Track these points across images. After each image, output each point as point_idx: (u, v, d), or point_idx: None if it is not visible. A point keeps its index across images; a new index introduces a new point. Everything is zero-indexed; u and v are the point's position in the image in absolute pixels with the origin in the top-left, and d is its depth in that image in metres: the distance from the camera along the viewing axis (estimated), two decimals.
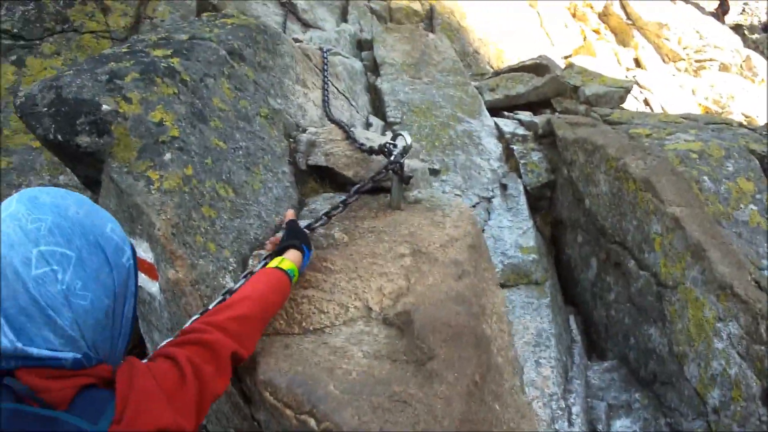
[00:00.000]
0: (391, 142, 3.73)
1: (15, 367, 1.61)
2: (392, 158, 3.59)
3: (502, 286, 4.65)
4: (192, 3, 5.82)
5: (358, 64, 6.46)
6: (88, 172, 3.39)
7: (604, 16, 17.59)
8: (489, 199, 5.26)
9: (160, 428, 1.74)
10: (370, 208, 3.67)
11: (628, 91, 7.59)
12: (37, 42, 5.28)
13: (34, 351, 1.60)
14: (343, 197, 3.42)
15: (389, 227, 3.43)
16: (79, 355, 1.66)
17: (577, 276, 5.36)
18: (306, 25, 7.66)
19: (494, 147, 5.75)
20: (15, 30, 5.31)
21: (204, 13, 4.84)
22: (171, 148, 3.25)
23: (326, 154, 4.00)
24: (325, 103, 4.66)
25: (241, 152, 3.62)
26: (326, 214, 3.30)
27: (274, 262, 2.79)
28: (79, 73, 3.39)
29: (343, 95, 5.36)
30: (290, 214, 3.29)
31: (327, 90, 4.82)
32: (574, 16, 16.75)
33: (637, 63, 16.23)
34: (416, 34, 7.50)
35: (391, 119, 5.75)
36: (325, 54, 5.27)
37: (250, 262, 3.20)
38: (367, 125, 5.45)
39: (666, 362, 4.10)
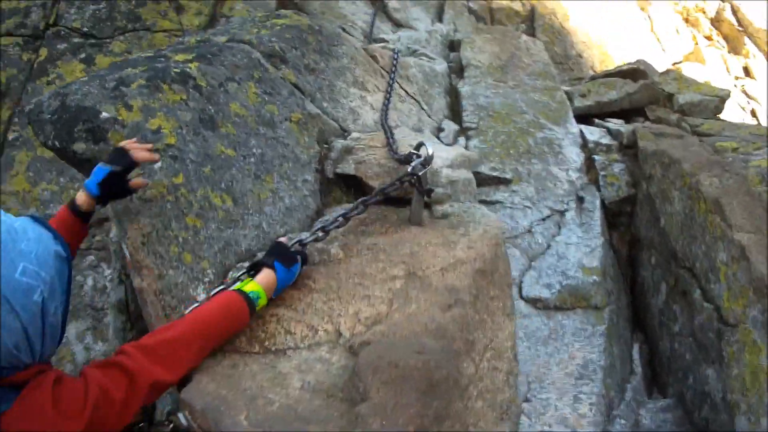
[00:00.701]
0: (414, 151, 3.45)
1: None
2: (409, 169, 3.31)
3: (557, 309, 4.23)
4: (272, 2, 5.73)
5: (440, 67, 6.15)
6: None
7: (716, 21, 16.08)
8: (562, 213, 4.83)
9: None
10: (386, 222, 3.39)
11: (723, 100, 6.80)
12: (108, 40, 5.33)
13: None
14: (346, 210, 3.18)
15: (391, 245, 3.13)
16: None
17: (648, 301, 4.86)
18: (397, 25, 7.43)
19: (575, 156, 5.30)
20: (85, 28, 5.37)
21: (259, 14, 4.74)
22: (163, 157, 3.13)
23: (358, 162, 3.75)
24: (385, 106, 4.42)
25: (252, 159, 3.44)
26: (322, 228, 3.04)
27: (241, 284, 2.71)
28: (92, 79, 3.35)
29: (414, 98, 5.09)
30: (284, 240, 3.04)
31: (390, 93, 4.58)
32: (686, 21, 15.45)
33: (747, 72, 14.79)
34: (508, 36, 7.07)
35: (467, 124, 5.40)
36: (395, 55, 5.03)
37: (230, 274, 3.02)
38: (438, 130, 5.14)
39: (719, 410, 3.57)
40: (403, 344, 2.47)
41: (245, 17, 4.77)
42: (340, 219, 3.10)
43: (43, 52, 5.34)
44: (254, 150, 3.49)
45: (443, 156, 3.78)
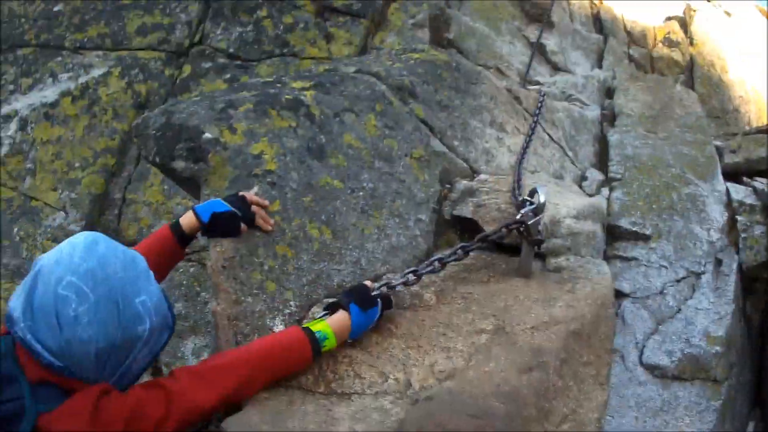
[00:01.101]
0: (528, 198, 3.24)
1: (14, 333, 2.08)
2: (518, 216, 3.10)
3: (674, 378, 3.88)
4: (425, 36, 5.63)
5: (592, 113, 5.85)
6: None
7: None
8: (698, 275, 4.42)
9: None
10: (491, 271, 3.19)
11: None
12: (254, 63, 5.39)
13: (29, 337, 2.04)
14: (443, 254, 3.01)
15: (487, 296, 2.93)
16: (58, 363, 2.04)
17: None
18: (555, 68, 7.15)
19: (719, 216, 4.86)
20: (231, 49, 5.46)
21: (397, 47, 4.66)
22: (261, 182, 3.08)
23: (478, 205, 3.56)
24: (523, 149, 4.21)
25: (361, 193, 3.32)
26: (414, 271, 2.88)
27: (312, 322, 2.64)
28: (204, 99, 3.38)
29: (558, 144, 4.84)
30: (369, 284, 2.87)
31: (531, 136, 4.36)
32: None
33: None
34: (662, 85, 6.65)
35: (612, 174, 5.07)
36: (541, 97, 4.81)
37: (313, 309, 2.91)
38: (582, 179, 4.86)
39: None
40: (461, 405, 2.26)
41: (389, 50, 4.69)
42: (436, 263, 2.91)
43: (187, 69, 5.47)
44: (365, 184, 3.37)
45: (569, 205, 3.53)
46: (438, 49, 4.45)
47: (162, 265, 2.79)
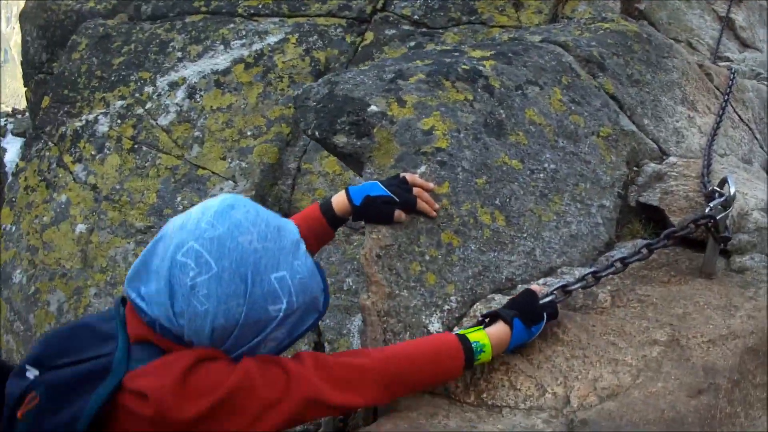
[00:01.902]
0: (717, 189, 2.73)
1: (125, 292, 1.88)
2: (706, 210, 2.61)
3: None
4: (616, 5, 5.05)
5: None
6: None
7: None
8: None
9: (142, 391, 1.71)
10: (673, 269, 2.75)
11: None
12: (440, 31, 5.00)
13: (137, 300, 1.83)
14: (625, 253, 2.58)
15: (665, 300, 2.51)
16: (165, 324, 1.79)
17: None
18: (744, 45, 6.31)
19: None
20: (416, 16, 5.09)
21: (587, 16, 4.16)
22: (430, 161, 2.78)
23: (665, 192, 3.09)
24: (713, 131, 3.64)
25: (542, 175, 2.95)
26: (593, 273, 2.50)
27: (468, 330, 2.22)
28: (372, 69, 3.13)
29: (747, 125, 4.20)
30: (537, 288, 2.47)
31: (722, 117, 3.78)
32: None
33: None
34: None
35: None
36: (732, 75, 4.17)
37: (476, 305, 2.56)
38: None
39: None
40: None
41: (577, 19, 4.20)
42: (618, 264, 2.53)
43: (369, 36, 5.16)
44: (546, 165, 3.01)
45: (758, 196, 3.00)
46: (628, 19, 3.94)
47: (309, 245, 2.47)
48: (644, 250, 2.55)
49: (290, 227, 1.94)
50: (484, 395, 2.25)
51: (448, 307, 2.54)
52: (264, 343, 1.88)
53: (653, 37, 3.85)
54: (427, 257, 2.58)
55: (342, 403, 1.93)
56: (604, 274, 2.49)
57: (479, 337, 2.17)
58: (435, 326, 2.48)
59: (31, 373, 1.83)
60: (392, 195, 2.50)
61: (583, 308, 2.53)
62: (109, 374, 1.76)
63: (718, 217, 2.59)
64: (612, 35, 3.72)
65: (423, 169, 2.74)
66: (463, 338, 2.14)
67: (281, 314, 1.84)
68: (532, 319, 2.27)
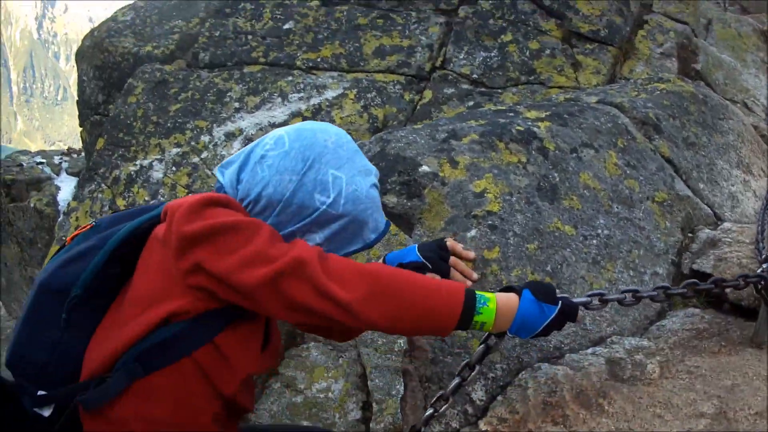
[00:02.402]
0: None
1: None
2: (759, 270, 2.54)
3: None
4: (673, 65, 4.99)
5: None
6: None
7: None
8: None
9: (165, 210, 1.86)
10: (723, 339, 2.69)
11: None
12: (499, 90, 4.96)
13: (218, 171, 2.01)
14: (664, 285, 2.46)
15: (714, 372, 2.45)
16: (227, 188, 1.95)
17: None
18: None
19: None
20: (475, 75, 5.05)
21: (643, 77, 4.11)
22: (481, 224, 2.75)
23: (719, 258, 3.02)
24: None
25: (595, 242, 2.91)
26: (634, 292, 2.33)
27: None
28: (425, 128, 3.12)
29: None
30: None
31: None
32: None
33: None
34: None
35: None
36: None
37: (522, 374, 2.51)
38: None
39: None
40: None
41: (634, 80, 4.15)
42: (661, 294, 2.39)
43: (428, 94, 5.11)
44: (600, 231, 2.96)
45: None
46: (684, 79, 3.88)
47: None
48: (685, 289, 2.45)
49: (368, 162, 2.01)
50: None
51: (493, 375, 2.50)
52: (302, 237, 1.91)
53: (709, 98, 3.80)
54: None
55: (325, 287, 1.77)
56: (644, 295, 2.35)
57: (487, 294, 1.98)
58: (478, 394, 2.44)
59: None
60: (425, 262, 2.36)
61: (630, 379, 2.47)
62: (154, 210, 1.96)
63: None
64: (668, 96, 3.67)
65: (473, 233, 2.71)
66: (469, 290, 1.93)
67: (324, 207, 1.88)
68: (545, 295, 2.05)
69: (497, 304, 1.97)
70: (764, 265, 2.60)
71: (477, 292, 1.95)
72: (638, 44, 5.14)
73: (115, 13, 6.29)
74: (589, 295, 2.30)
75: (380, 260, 2.45)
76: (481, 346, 2.23)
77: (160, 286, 1.84)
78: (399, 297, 1.85)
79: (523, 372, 2.50)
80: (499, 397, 2.43)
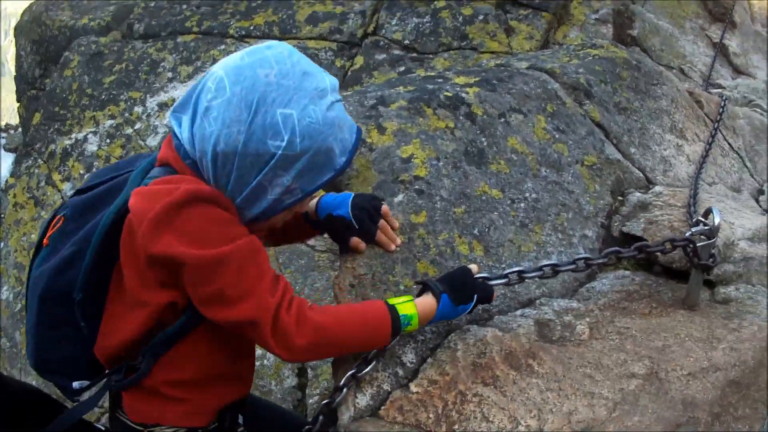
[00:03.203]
0: (702, 219, 2.70)
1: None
2: (687, 234, 2.58)
3: None
4: (608, 31, 5.03)
5: None
6: None
7: None
8: None
9: (131, 209, 1.87)
10: (654, 300, 2.70)
11: None
12: (430, 56, 4.97)
13: (172, 122, 1.95)
14: (592, 255, 2.55)
15: (644, 333, 2.47)
16: (187, 146, 1.91)
17: None
18: (737, 71, 6.30)
19: None
20: (406, 41, 5.06)
21: (576, 42, 4.14)
22: (408, 189, 2.73)
23: (649, 222, 3.06)
24: (702, 159, 3.62)
25: (522, 205, 2.91)
26: (553, 266, 2.48)
27: (398, 299, 2.20)
28: (355, 95, 3.08)
29: (737, 154, 4.17)
30: (475, 269, 2.42)
31: (711, 145, 3.76)
32: None
33: None
34: None
35: None
36: (722, 102, 4.16)
37: (451, 336, 2.52)
38: (759, 192, 4.16)
39: None
40: None
41: (567, 45, 4.18)
42: (582, 264, 2.52)
43: (359, 61, 5.11)
44: (528, 194, 2.96)
45: (745, 225, 2.98)
46: (618, 45, 3.91)
47: (288, 234, 2.58)
48: (612, 256, 2.54)
49: (322, 77, 1.91)
50: (456, 427, 2.18)
51: (422, 338, 2.49)
52: (270, 188, 1.87)
53: (643, 64, 3.83)
54: (402, 287, 2.52)
55: (272, 348, 1.93)
56: (564, 269, 2.48)
57: (407, 309, 2.14)
58: (408, 356, 2.43)
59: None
60: (352, 221, 2.43)
61: (560, 340, 2.49)
62: (120, 192, 1.97)
63: (698, 244, 2.56)
64: (600, 62, 3.70)
65: (400, 197, 2.70)
66: (392, 308, 2.11)
67: (280, 152, 1.82)
68: (461, 298, 2.25)
69: (419, 318, 2.18)
70: (693, 229, 2.64)
71: (400, 312, 2.13)
72: (573, 10, 5.18)
73: None
74: (508, 273, 2.43)
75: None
76: None
77: (138, 284, 1.94)
78: (337, 347, 2.12)
79: (453, 334, 2.50)
80: (429, 359, 2.43)
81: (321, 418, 2.32)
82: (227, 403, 2.25)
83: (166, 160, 1.98)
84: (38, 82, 5.98)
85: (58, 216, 2.08)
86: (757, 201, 4.00)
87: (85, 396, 2.14)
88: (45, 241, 2.06)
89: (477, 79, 3.27)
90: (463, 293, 2.26)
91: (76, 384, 2.16)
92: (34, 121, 5.40)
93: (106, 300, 2.03)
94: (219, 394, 2.22)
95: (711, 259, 2.60)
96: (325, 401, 2.35)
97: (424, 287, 2.27)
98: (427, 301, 2.21)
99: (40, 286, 2.02)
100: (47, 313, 2.06)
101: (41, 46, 5.91)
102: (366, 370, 2.32)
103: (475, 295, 2.29)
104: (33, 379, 4.65)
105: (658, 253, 2.73)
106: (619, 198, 3.28)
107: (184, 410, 2.12)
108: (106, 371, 2.12)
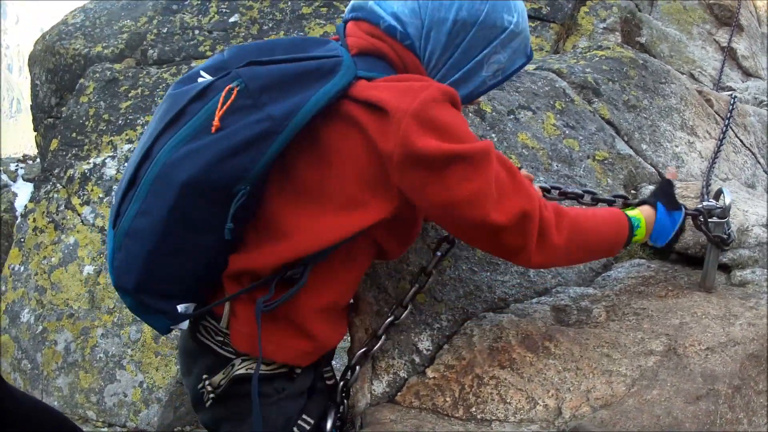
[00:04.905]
0: (713, 200, 2.67)
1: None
2: (699, 206, 2.57)
3: None
4: (616, 40, 5.03)
5: None
6: None
7: None
8: None
9: (379, 104, 1.66)
10: (671, 284, 2.66)
11: None
12: None
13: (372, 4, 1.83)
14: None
15: (661, 312, 2.43)
16: (406, 19, 1.78)
17: None
18: (747, 74, 6.26)
19: None
20: None
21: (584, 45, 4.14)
22: None
23: None
24: (714, 154, 3.59)
25: None
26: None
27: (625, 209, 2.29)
28: None
29: (749, 150, 4.13)
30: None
31: (722, 141, 3.73)
32: None
33: None
34: None
35: None
36: (732, 100, 4.13)
37: (467, 323, 2.50)
38: None
39: None
40: None
41: (575, 51, 4.19)
42: (587, 196, 2.59)
43: None
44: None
45: (759, 213, 2.93)
46: (625, 46, 3.90)
47: None
48: (620, 199, 2.57)
49: None
50: (473, 409, 2.17)
51: (438, 326, 2.48)
52: (487, 65, 1.86)
53: (650, 63, 3.82)
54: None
55: (530, 251, 1.86)
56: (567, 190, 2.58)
57: (635, 213, 2.21)
58: (425, 344, 2.42)
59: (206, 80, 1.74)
60: None
61: (577, 324, 2.46)
62: (335, 74, 1.69)
63: (710, 220, 2.52)
64: (607, 62, 3.68)
65: None
66: (629, 217, 2.18)
67: (511, 26, 1.83)
68: (672, 203, 2.33)
69: (645, 225, 2.22)
70: (705, 203, 2.63)
71: (631, 217, 2.17)
72: (581, 20, 5.18)
73: (66, 16, 6.26)
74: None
75: None
76: (412, 289, 2.38)
77: (362, 187, 1.74)
78: (585, 253, 2.13)
79: (469, 321, 2.49)
80: (446, 346, 2.41)
81: (358, 369, 2.30)
82: (334, 346, 2.09)
83: (369, 49, 1.82)
84: (54, 111, 6.03)
85: (228, 87, 1.67)
86: None
87: (183, 326, 1.85)
88: (216, 123, 1.64)
89: None
90: (672, 199, 2.35)
91: (181, 307, 1.81)
92: (51, 147, 5.44)
93: (270, 199, 1.78)
94: (339, 332, 2.06)
95: (727, 237, 2.57)
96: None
97: (639, 204, 2.35)
98: (646, 209, 2.28)
99: (187, 170, 1.62)
100: (182, 211, 1.66)
101: (56, 75, 5.96)
102: (377, 345, 2.32)
103: (683, 207, 2.38)
104: (55, 401, 4.64)
105: None
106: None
107: (308, 348, 1.91)
108: (239, 290, 1.79)
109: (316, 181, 1.74)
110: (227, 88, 1.66)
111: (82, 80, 5.57)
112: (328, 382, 2.16)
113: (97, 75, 5.51)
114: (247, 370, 1.85)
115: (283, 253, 1.75)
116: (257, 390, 1.74)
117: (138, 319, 2.82)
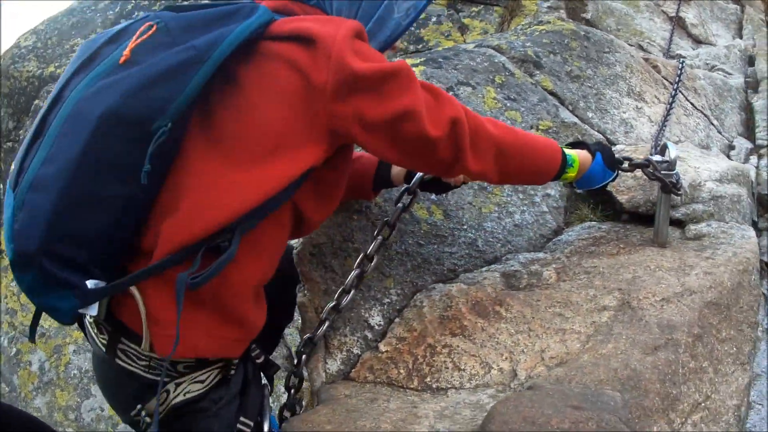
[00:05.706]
0: (659, 155, 2.57)
1: None
2: (645, 158, 2.46)
3: None
4: (562, 17, 4.93)
5: (736, 81, 4.97)
6: None
7: None
8: None
9: (307, 34, 1.58)
10: (622, 242, 2.55)
11: None
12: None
13: None
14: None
15: (613, 269, 2.31)
16: None
17: None
18: (696, 41, 6.19)
19: None
20: None
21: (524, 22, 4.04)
22: None
23: None
24: (664, 118, 3.50)
25: None
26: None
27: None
28: None
29: (702, 113, 4.05)
30: None
31: (672, 105, 3.64)
32: None
33: None
34: None
35: (760, 141, 4.16)
36: (680, 65, 4.05)
37: (417, 296, 2.38)
38: (729, 148, 4.02)
39: None
40: (563, 395, 1.66)
41: (515, 28, 4.07)
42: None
43: None
44: None
45: (712, 168, 2.85)
46: (565, 19, 3.81)
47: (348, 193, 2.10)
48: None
49: None
50: (428, 379, 2.05)
51: (388, 300, 2.35)
52: (396, 4, 1.78)
53: (591, 34, 3.71)
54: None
55: (465, 158, 1.78)
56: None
57: (572, 153, 2.14)
58: (376, 319, 2.29)
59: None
60: None
61: (527, 287, 2.34)
62: (255, 13, 1.59)
63: (659, 168, 2.41)
64: (548, 35, 3.56)
65: None
66: (563, 150, 2.11)
67: None
68: (610, 163, 2.26)
69: (578, 163, 2.14)
70: (651, 154, 2.57)
71: (566, 153, 2.10)
72: (524, 1, 5.07)
73: (18, 39, 6.09)
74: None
75: None
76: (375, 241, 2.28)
77: (288, 129, 1.59)
78: (516, 163, 1.95)
79: (418, 294, 2.36)
80: (397, 320, 2.29)
81: (304, 357, 2.20)
82: (260, 329, 1.79)
83: (282, 8, 1.75)
84: (13, 134, 5.87)
85: (147, 23, 1.53)
86: (728, 156, 3.87)
87: (92, 310, 1.52)
88: (126, 53, 1.48)
89: (423, 59, 3.15)
90: (612, 159, 2.27)
91: (91, 283, 1.50)
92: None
93: (190, 150, 1.58)
94: (264, 312, 1.80)
95: (677, 189, 2.46)
96: (307, 335, 2.21)
97: (579, 146, 2.26)
98: (583, 153, 2.20)
99: (103, 102, 1.43)
100: (95, 151, 1.44)
101: (11, 98, 5.81)
102: (346, 300, 2.23)
103: (617, 172, 2.33)
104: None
105: (625, 199, 2.73)
106: None
107: (239, 335, 1.70)
108: (154, 263, 1.53)
109: (240, 128, 1.58)
110: (146, 24, 1.53)
111: (36, 101, 5.43)
112: (258, 360, 1.92)
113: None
114: (185, 395, 1.67)
115: (207, 216, 1.54)
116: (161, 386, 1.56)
117: None
